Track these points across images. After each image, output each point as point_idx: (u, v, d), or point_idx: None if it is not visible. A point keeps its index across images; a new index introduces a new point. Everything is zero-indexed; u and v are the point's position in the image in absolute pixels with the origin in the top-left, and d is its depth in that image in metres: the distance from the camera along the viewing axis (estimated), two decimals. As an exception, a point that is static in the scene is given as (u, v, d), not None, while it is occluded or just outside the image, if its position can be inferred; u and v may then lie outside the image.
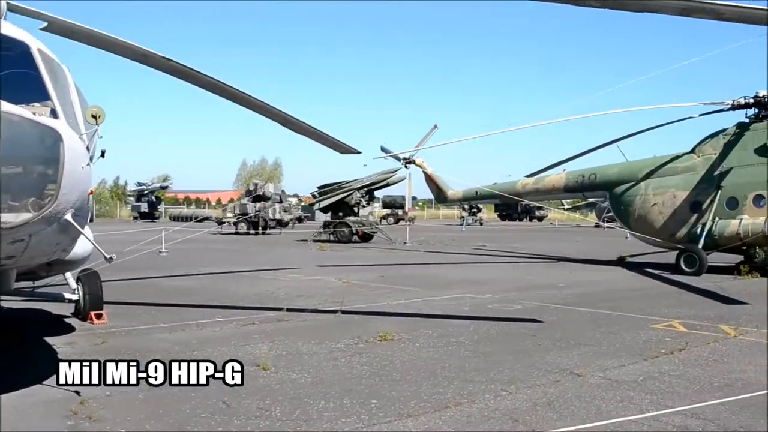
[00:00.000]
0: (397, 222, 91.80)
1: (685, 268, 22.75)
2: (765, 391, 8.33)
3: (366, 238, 43.20)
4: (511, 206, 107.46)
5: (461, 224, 73.65)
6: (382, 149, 34.10)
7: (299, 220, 73.61)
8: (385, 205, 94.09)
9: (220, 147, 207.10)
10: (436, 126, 35.47)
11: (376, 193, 67.17)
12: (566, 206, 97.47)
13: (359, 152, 17.30)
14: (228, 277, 21.57)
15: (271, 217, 54.63)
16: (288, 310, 14.22)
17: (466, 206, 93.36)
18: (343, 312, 14.23)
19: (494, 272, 23.98)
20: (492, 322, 13.35)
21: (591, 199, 53.15)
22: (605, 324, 13.18)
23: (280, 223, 57.25)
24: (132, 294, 16.94)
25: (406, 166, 34.50)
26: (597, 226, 57.23)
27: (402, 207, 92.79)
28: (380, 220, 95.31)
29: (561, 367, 9.56)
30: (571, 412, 7.51)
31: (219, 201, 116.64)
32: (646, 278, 22.07)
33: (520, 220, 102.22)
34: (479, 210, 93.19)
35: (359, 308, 15.13)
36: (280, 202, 61.15)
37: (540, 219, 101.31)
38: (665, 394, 8.23)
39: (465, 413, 7.51)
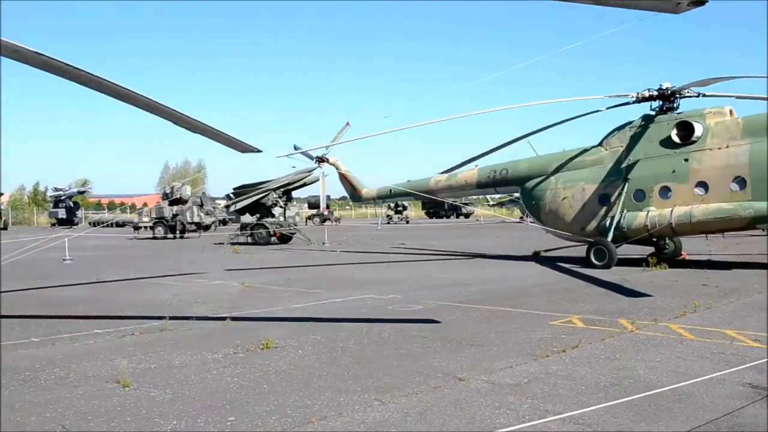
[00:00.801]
0: (323, 222, 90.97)
1: (595, 262, 22.64)
2: (650, 392, 7.93)
3: (285, 239, 42.31)
4: (438, 204, 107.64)
5: (378, 223, 72.93)
6: (295, 148, 33.23)
7: (223, 222, 72.19)
8: (310, 206, 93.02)
9: (142, 149, 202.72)
10: (348, 123, 34.87)
11: (298, 194, 66.39)
12: (491, 203, 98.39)
13: (260, 151, 16.47)
14: (126, 285, 20.52)
15: (189, 220, 53.08)
16: (171, 318, 13.35)
17: (391, 204, 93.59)
18: (233, 319, 13.46)
19: (406, 271, 23.49)
20: (387, 324, 12.78)
21: (516, 195, 53.48)
22: (503, 323, 12.73)
23: (200, 227, 55.80)
24: (12, 306, 15.82)
25: (319, 165, 33.79)
26: (521, 220, 57.50)
27: (328, 207, 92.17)
28: (306, 221, 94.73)
29: (445, 372, 9.02)
30: (443, 423, 6.96)
31: (145, 204, 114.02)
32: (556, 273, 21.86)
33: (448, 217, 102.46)
34: (405, 208, 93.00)
35: (252, 314, 14.39)
36: (201, 205, 59.74)
37: (467, 216, 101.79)
38: (547, 398, 7.74)
39: (327, 428, 6.89)
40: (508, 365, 9.34)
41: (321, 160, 33.35)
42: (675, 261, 24.71)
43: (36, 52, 11.11)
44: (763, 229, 22.86)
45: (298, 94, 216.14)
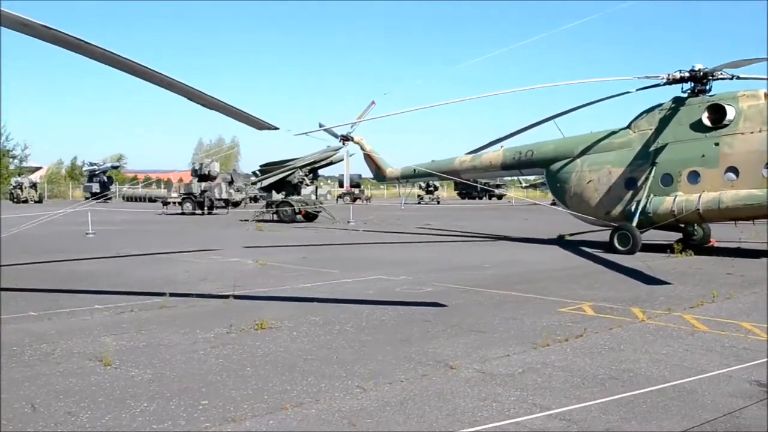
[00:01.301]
0: (353, 201, 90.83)
1: (619, 247, 22.05)
2: (649, 389, 7.50)
3: (310, 217, 42.09)
4: (471, 185, 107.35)
5: (401, 203, 72.34)
6: (320, 126, 32.89)
7: (254, 199, 72.25)
8: (340, 184, 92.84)
9: (178, 126, 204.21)
10: (373, 102, 34.43)
11: (331, 172, 65.74)
12: (524, 185, 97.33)
13: (277, 128, 16.17)
14: (142, 261, 20.42)
15: (217, 196, 53.16)
16: (174, 295, 13.12)
17: (422, 184, 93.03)
18: (237, 297, 13.21)
19: (425, 252, 23.12)
20: (392, 307, 12.44)
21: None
22: (511, 308, 12.31)
23: (228, 203, 55.90)
24: (23, 279, 15.78)
25: (343, 144, 33.41)
26: (553, 204, 56.63)
27: (358, 186, 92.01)
28: (337, 200, 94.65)
29: (437, 359, 8.65)
30: (421, 414, 6.60)
31: (181, 180, 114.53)
32: (577, 257, 21.33)
33: (480, 198, 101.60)
34: (436, 188, 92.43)
35: (257, 293, 14.14)
36: (231, 182, 59.82)
37: (499, 197, 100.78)
38: (537, 391, 7.35)
39: (300, 416, 6.57)
40: (505, 354, 8.95)
41: (346, 138, 32.98)
42: (703, 248, 23.99)
43: (45, 26, 10.86)
44: (795, 218, 22.07)
45: (322, 73, 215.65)
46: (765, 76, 21.71)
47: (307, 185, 42.41)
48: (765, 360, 8.57)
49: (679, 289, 14.67)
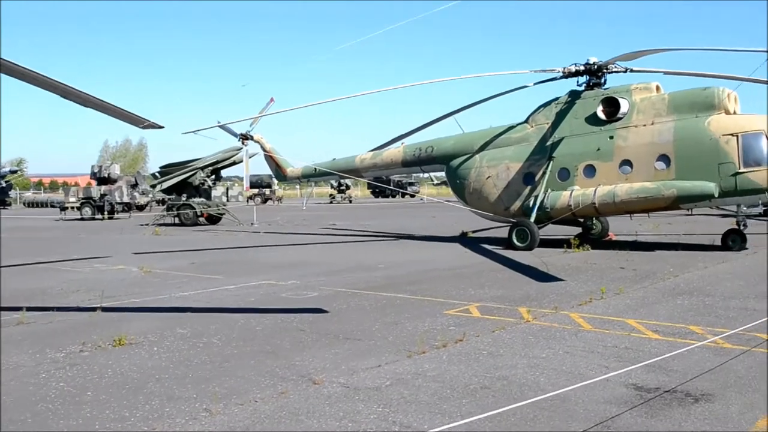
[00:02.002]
0: (264, 202, 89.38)
1: (517, 243, 21.83)
2: (520, 403, 6.99)
3: (213, 220, 40.84)
4: (384, 183, 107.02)
5: (303, 203, 71.19)
6: (220, 126, 31.75)
7: (161, 202, 70.01)
8: (252, 185, 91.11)
9: (84, 127, 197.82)
10: (272, 99, 33.54)
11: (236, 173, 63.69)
12: (436, 182, 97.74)
13: (161, 127, 15.24)
14: (19, 271, 19.05)
15: (118, 200, 51.17)
16: (31, 309, 12.07)
17: (334, 183, 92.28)
18: (105, 310, 12.25)
19: (323, 254, 22.43)
20: (270, 314, 11.72)
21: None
22: (395, 312, 11.74)
23: (131, 207, 53.92)
24: None
25: (243, 143, 32.38)
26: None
27: (269, 186, 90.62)
28: (247, 200, 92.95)
29: (302, 373, 7.99)
30: (266, 441, 5.90)
31: (89, 184, 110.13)
32: (475, 255, 21.00)
33: (393, 196, 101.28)
34: (348, 187, 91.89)
35: (130, 304, 13.20)
36: (136, 185, 57.76)
37: (412, 195, 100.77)
38: (401, 406, 6.76)
39: (127, 450, 5.78)
40: (377, 364, 8.35)
41: (245, 137, 31.93)
42: (601, 242, 24.11)
43: None
44: (689, 210, 22.28)
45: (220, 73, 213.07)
46: (659, 69, 21.77)
47: (210, 187, 41.10)
48: (649, 361, 8.22)
49: (570, 285, 14.40)
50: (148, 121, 14.18)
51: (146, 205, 61.37)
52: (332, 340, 9.69)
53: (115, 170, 52.22)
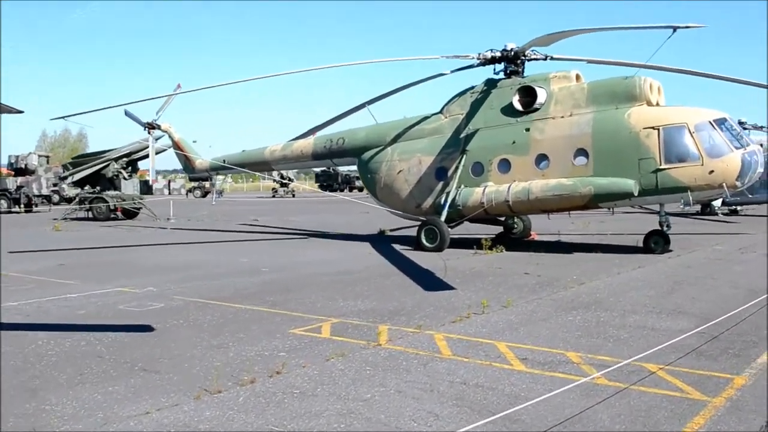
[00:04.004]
0: (204, 195, 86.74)
1: (426, 243, 20.11)
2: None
3: (130, 214, 38.45)
4: (332, 176, 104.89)
5: (212, 198, 68.27)
6: (126, 114, 29.53)
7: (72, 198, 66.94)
8: (191, 178, 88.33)
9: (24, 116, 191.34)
10: (179, 85, 31.38)
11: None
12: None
13: (21, 111, 13.22)
14: None
15: (36, 192, 48.39)
16: None
17: (277, 175, 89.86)
18: None
19: (216, 254, 20.47)
20: (84, 333, 9.78)
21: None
22: (232, 331, 9.88)
23: (51, 200, 51.14)
24: None
25: (149, 132, 30.12)
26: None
27: (209, 179, 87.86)
28: (187, 194, 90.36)
29: (44, 421, 6.12)
30: None
31: (7, 176, 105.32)
32: (378, 256, 19.22)
33: (341, 190, 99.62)
34: (291, 180, 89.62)
35: (-69, 317, 11.08)
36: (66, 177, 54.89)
37: (360, 189, 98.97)
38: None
39: None
40: (145, 410, 6.49)
41: (151, 126, 29.66)
42: (521, 242, 22.53)
43: None
44: (609, 209, 20.75)
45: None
46: (580, 57, 20.10)
47: (125, 178, 38.71)
48: (495, 417, 6.46)
49: (458, 295, 12.66)
50: (5, 105, 12.31)
51: (76, 197, 58.56)
52: (123, 372, 7.79)
53: (33, 160, 49.44)
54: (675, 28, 14.42)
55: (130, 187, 40.36)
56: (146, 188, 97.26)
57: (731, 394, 6.94)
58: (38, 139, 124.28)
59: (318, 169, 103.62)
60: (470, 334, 9.51)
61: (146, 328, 10.07)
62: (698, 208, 38.52)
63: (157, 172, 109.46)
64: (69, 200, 56.45)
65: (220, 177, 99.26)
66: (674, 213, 34.01)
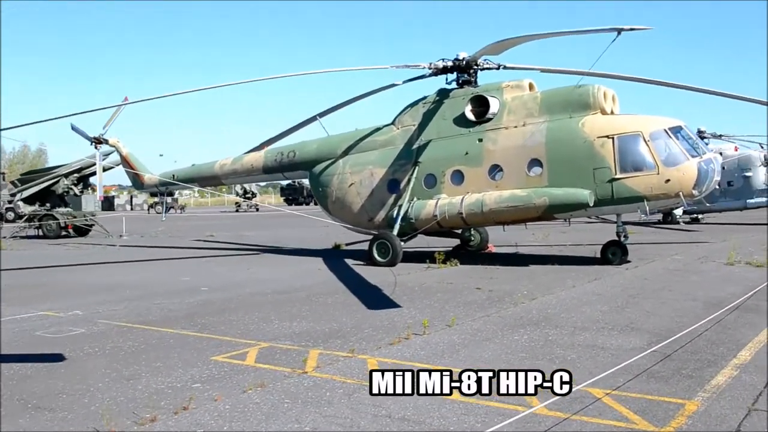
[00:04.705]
0: (167, 210, 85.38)
1: (378, 258, 19.44)
2: None
3: (82, 231, 37.27)
4: (297, 189, 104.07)
5: (162, 214, 66.81)
6: (73, 128, 28.54)
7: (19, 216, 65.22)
8: (153, 193, 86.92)
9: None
10: (126, 99, 30.41)
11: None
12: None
13: None
14: None
15: (-15, 210, 46.90)
16: None
17: (239, 191, 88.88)
18: None
19: (156, 273, 19.53)
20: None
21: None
22: (150, 359, 9.12)
23: (2, 218, 49.43)
24: None
25: (96, 147, 29.12)
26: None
27: (171, 194, 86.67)
28: (149, 209, 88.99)
29: None
30: None
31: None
32: (327, 272, 18.50)
33: (307, 204, 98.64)
34: (254, 195, 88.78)
35: None
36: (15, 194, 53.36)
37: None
38: None
39: None
40: (21, 459, 5.65)
41: (98, 141, 28.67)
42: (478, 255, 21.95)
43: None
44: (565, 220, 20.23)
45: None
46: (532, 66, 19.57)
47: (76, 195, 37.58)
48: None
49: (402, 314, 11.98)
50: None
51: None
52: (14, 410, 7.00)
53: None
54: (619, 31, 13.93)
55: (91, 203, 39.33)
56: (108, 204, 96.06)
57: (681, 424, 6.33)
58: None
59: (284, 183, 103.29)
60: (406, 358, 8.82)
61: (57, 358, 9.25)
62: (660, 217, 38.42)
63: (121, 188, 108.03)
64: (31, 219, 54.97)
65: (186, 192, 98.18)
66: (636, 222, 33.83)
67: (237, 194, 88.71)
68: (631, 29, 13.86)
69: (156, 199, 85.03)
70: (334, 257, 22.29)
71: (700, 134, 38.82)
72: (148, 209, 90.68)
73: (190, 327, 11.20)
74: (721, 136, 40.28)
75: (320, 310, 12.61)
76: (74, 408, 7.04)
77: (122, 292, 15.30)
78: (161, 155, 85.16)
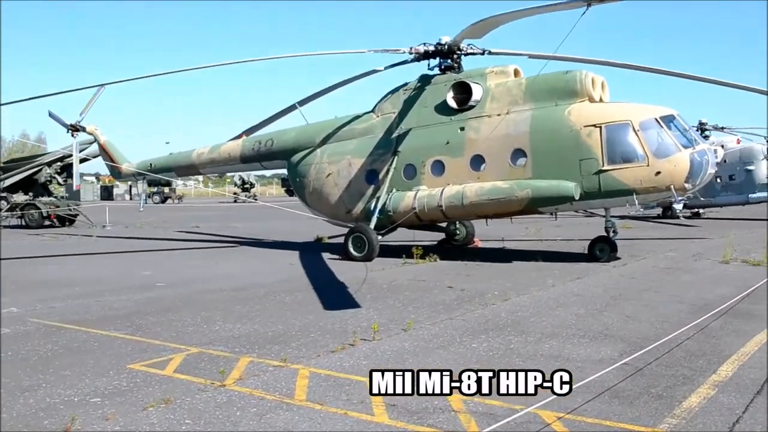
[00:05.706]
0: (164, 201, 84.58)
1: (354, 252, 18.49)
2: None
3: (65, 221, 36.37)
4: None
5: (140, 204, 65.93)
6: (50, 115, 27.63)
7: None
8: (150, 183, 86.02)
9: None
10: (102, 86, 29.40)
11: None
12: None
13: None
14: None
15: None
16: None
17: (237, 181, 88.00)
18: None
19: (119, 267, 18.59)
20: None
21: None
22: (62, 364, 8.20)
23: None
24: None
25: (72, 135, 28.14)
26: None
27: (168, 184, 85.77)
28: (146, 199, 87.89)
29: None
30: None
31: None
32: (299, 267, 17.52)
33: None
34: (253, 185, 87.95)
35: None
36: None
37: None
38: None
39: None
40: None
41: (75, 128, 27.68)
42: (462, 249, 20.99)
43: None
44: (551, 214, 19.20)
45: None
46: (519, 51, 18.52)
47: (59, 183, 36.69)
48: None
49: (359, 315, 11.03)
50: None
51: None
52: None
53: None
54: (589, 3, 12.85)
55: (89, 192, 38.49)
56: (107, 194, 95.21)
57: (636, 459, 5.34)
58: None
59: (285, 173, 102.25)
60: (344, 369, 7.85)
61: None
62: (660, 211, 37.38)
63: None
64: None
65: (180, 182, 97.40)
66: (634, 217, 32.82)
67: (235, 185, 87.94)
68: (601, 2, 12.79)
69: (154, 189, 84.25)
70: (312, 251, 21.36)
71: (702, 126, 37.72)
72: (146, 199, 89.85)
73: (124, 328, 10.24)
74: (723, 128, 39.11)
75: (273, 309, 11.66)
76: (-58, 428, 6.10)
77: (71, 288, 14.35)
78: (167, 143, 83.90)
